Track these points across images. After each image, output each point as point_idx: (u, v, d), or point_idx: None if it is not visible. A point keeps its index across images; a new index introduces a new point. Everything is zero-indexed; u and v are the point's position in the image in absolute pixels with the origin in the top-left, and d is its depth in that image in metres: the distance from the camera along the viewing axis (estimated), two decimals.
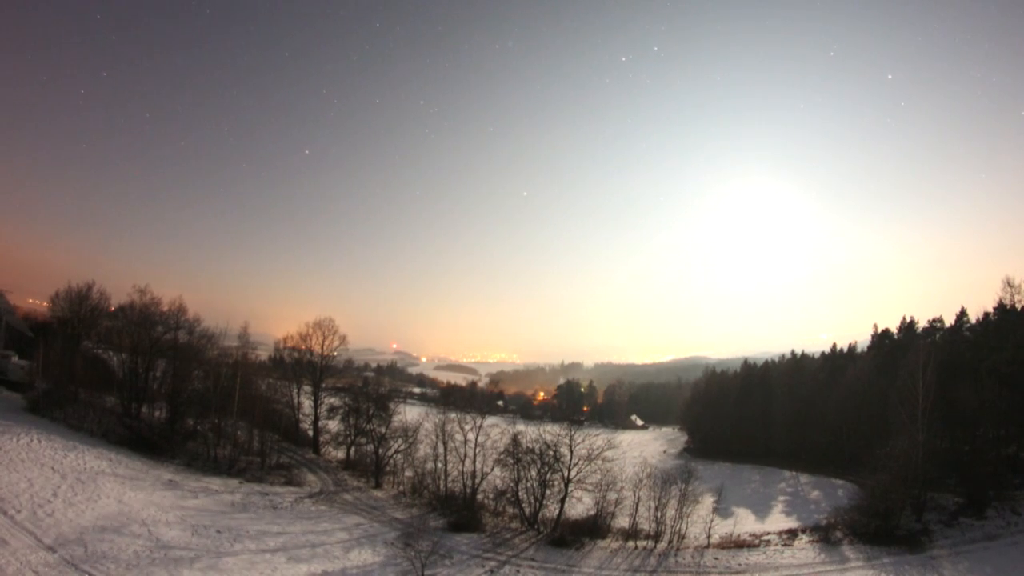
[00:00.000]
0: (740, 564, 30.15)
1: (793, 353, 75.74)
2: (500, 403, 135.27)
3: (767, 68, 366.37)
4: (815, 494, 45.51)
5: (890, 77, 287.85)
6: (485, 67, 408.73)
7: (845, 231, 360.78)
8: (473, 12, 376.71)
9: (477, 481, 38.21)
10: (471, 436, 39.77)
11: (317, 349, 53.18)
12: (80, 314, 45.08)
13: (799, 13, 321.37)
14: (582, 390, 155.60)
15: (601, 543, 33.07)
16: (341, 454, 48.41)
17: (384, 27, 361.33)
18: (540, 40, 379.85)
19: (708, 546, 32.69)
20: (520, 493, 36.57)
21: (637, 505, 35.07)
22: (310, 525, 30.57)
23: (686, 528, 33.83)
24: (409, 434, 44.90)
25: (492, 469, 38.58)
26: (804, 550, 31.82)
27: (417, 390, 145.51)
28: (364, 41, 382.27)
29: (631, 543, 33.12)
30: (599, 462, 36.46)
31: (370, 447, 45.17)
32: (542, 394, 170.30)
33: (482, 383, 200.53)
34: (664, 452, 80.00)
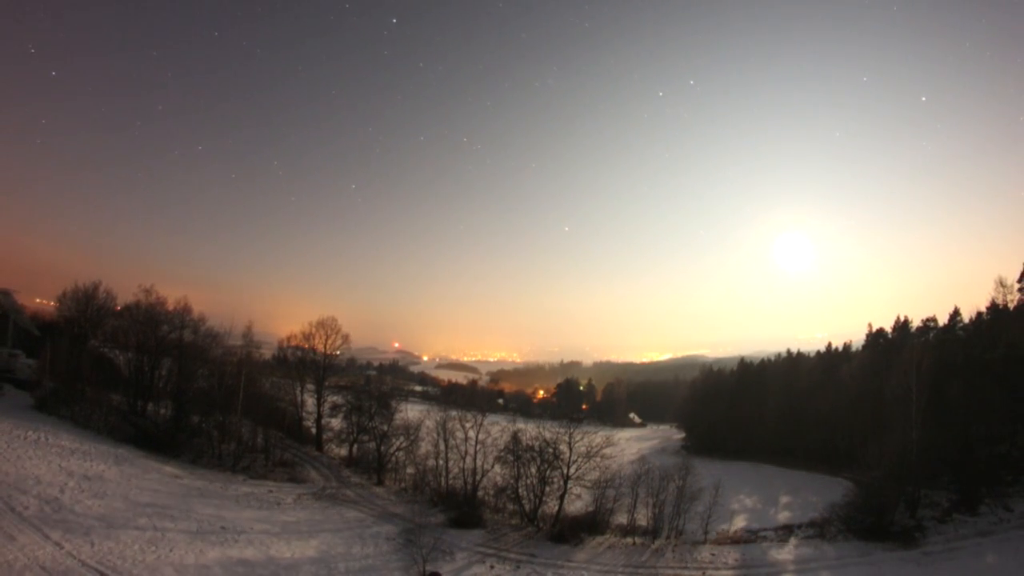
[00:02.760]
0: (736, 560, 30.63)
1: (789, 352, 76.41)
2: (500, 401, 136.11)
3: (801, 97, 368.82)
4: (810, 491, 46.05)
5: (924, 99, 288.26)
6: (526, 104, 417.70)
7: (842, 232, 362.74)
8: (514, 51, 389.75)
9: (478, 478, 38.73)
10: (472, 434, 40.24)
11: (320, 348, 53.67)
12: (87, 313, 45.31)
13: (830, 42, 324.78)
14: (581, 388, 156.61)
15: (600, 539, 33.55)
16: (344, 451, 48.89)
17: (427, 67, 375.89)
18: (579, 77, 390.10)
19: (705, 542, 33.17)
20: (520, 490, 37.06)
21: (635, 502, 35.53)
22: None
23: (683, 524, 34.32)
24: (411, 432, 45.42)
25: (492, 466, 39.08)
26: (800, 546, 32.34)
27: (419, 388, 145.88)
28: (408, 80, 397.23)
29: (629, 539, 33.63)
30: (598, 459, 36.92)
31: (372, 444, 45.63)
32: (542, 392, 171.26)
33: (483, 381, 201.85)
34: (662, 449, 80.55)
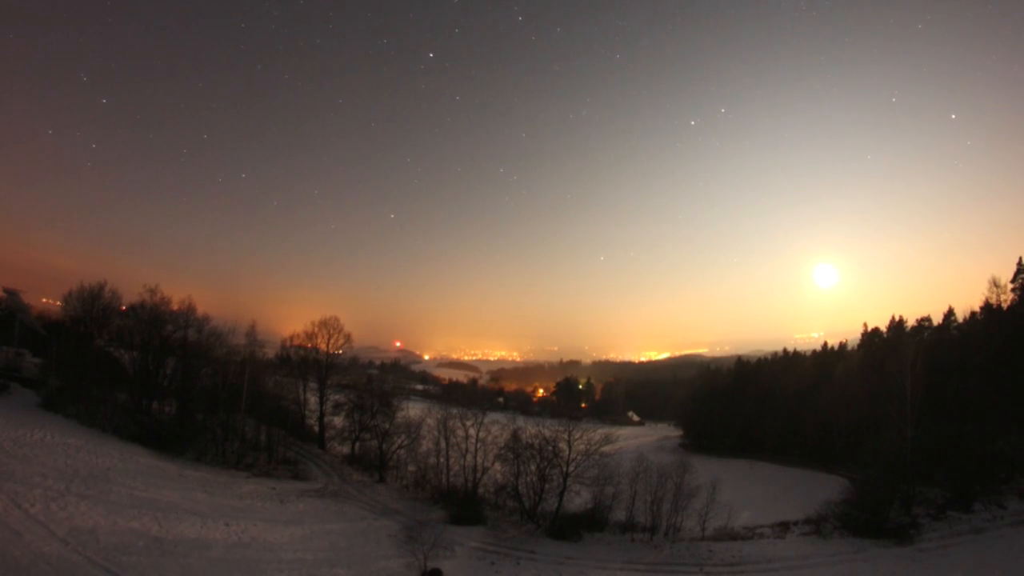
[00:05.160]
0: (734, 556, 30.99)
1: (785, 351, 77.12)
2: (500, 400, 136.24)
3: (831, 121, 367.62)
4: (807, 488, 46.37)
5: (953, 117, 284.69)
6: (560, 135, 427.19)
7: (859, 244, 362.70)
8: (548, 84, 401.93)
9: (478, 476, 39.19)
10: (472, 432, 40.66)
11: (323, 347, 54.09)
12: (92, 313, 45.73)
13: (858, 64, 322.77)
14: (580, 387, 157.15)
15: (598, 535, 33.98)
16: (346, 449, 49.34)
17: (463, 100, 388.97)
18: (613, 108, 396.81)
19: (703, 538, 33.57)
20: (520, 487, 37.40)
21: (634, 499, 35.74)
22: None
23: (681, 521, 34.67)
24: (412, 430, 45.71)
25: (493, 464, 39.51)
26: (796, 542, 32.77)
27: (420, 387, 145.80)
28: (446, 113, 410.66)
29: (628, 535, 34.01)
30: (596, 457, 37.25)
31: (374, 442, 45.99)
32: (541, 391, 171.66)
33: (483, 380, 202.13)
34: (660, 447, 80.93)
